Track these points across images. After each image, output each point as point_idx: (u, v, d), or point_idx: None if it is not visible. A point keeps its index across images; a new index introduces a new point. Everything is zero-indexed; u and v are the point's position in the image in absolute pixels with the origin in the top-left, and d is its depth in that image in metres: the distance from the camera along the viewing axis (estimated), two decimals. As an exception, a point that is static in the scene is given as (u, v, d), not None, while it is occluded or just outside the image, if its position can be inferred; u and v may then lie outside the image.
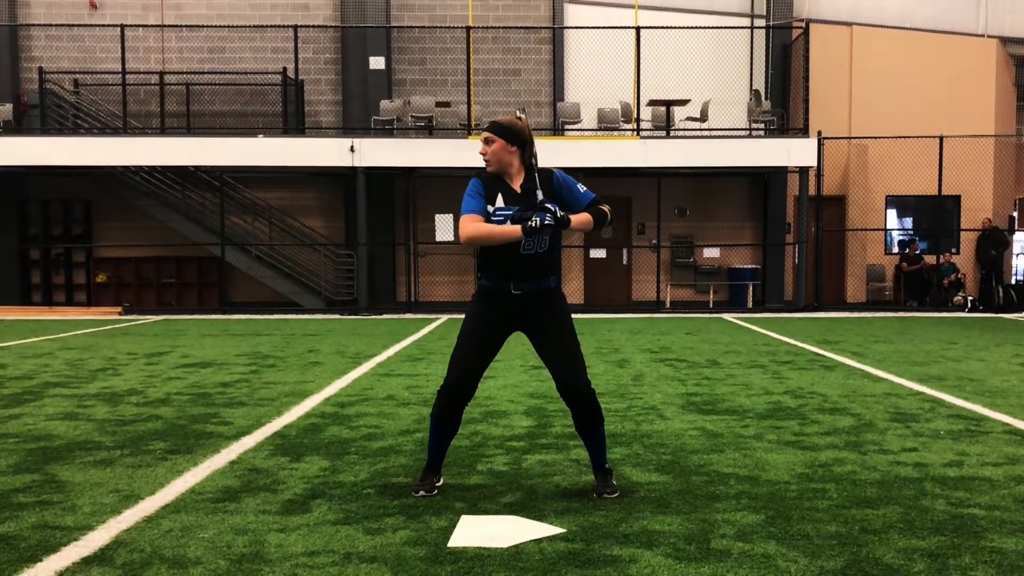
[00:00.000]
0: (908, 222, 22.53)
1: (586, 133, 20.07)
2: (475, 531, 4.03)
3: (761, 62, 21.28)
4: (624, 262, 21.31)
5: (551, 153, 17.50)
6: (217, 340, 13.15)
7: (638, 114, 19.41)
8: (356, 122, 20.51)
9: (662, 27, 19.37)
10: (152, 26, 20.77)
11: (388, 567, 3.58)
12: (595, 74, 20.04)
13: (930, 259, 20.85)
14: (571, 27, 20.92)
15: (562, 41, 21.11)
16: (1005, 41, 21.56)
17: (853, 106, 21.19)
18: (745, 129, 20.42)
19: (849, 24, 21.30)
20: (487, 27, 20.70)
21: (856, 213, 21.16)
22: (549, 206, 4.42)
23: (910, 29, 21.35)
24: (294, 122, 20.44)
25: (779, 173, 20.50)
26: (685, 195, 21.28)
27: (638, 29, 19.03)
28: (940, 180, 19.68)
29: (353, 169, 18.89)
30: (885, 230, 21.80)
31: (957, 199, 21.14)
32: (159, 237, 20.23)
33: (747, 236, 21.38)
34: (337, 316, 18.61)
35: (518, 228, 4.39)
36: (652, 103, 19.74)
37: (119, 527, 4.10)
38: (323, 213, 21.24)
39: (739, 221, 21.44)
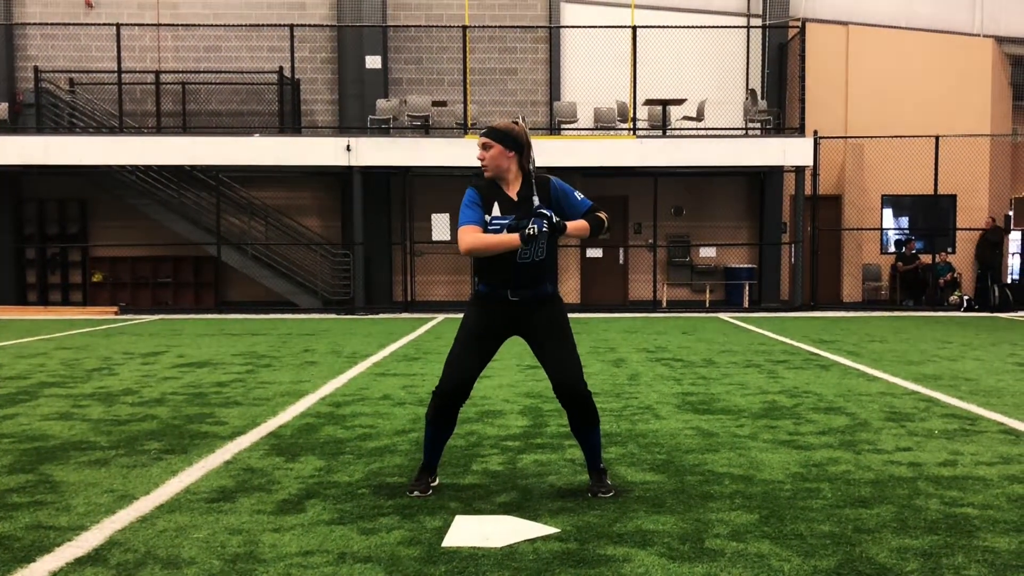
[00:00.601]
0: (904, 221, 22.56)
1: (582, 132, 20.07)
2: (469, 531, 4.03)
3: (757, 61, 21.29)
4: (620, 261, 21.32)
5: (547, 152, 17.55)
6: (213, 340, 13.14)
7: (634, 113, 19.41)
8: (352, 121, 20.50)
9: (658, 26, 19.37)
10: (148, 25, 20.74)
11: (382, 567, 3.58)
12: (591, 73, 20.04)
13: (926, 258, 20.87)
14: (567, 26, 20.92)
15: (558, 40, 21.12)
16: (1001, 41, 21.59)
17: (849, 105, 21.22)
18: (741, 128, 20.44)
19: (845, 23, 21.33)
20: (483, 26, 20.70)
21: (852, 212, 21.18)
22: (545, 212, 4.43)
23: (906, 29, 21.38)
24: (290, 121, 20.43)
25: (775, 172, 20.52)
26: (681, 194, 21.29)
27: (634, 28, 19.04)
28: (936, 180, 19.70)
29: (349, 168, 18.88)
30: (881, 229, 21.83)
31: (953, 199, 21.17)
32: (155, 236, 20.21)
33: (743, 235, 21.40)
34: (333, 316, 18.61)
35: (516, 236, 4.39)
36: (648, 102, 19.75)
37: (113, 527, 4.10)
38: (319, 212, 21.23)
39: (735, 220, 21.46)
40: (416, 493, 4.60)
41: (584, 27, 20.31)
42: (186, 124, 20.44)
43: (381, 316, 18.40)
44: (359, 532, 4.03)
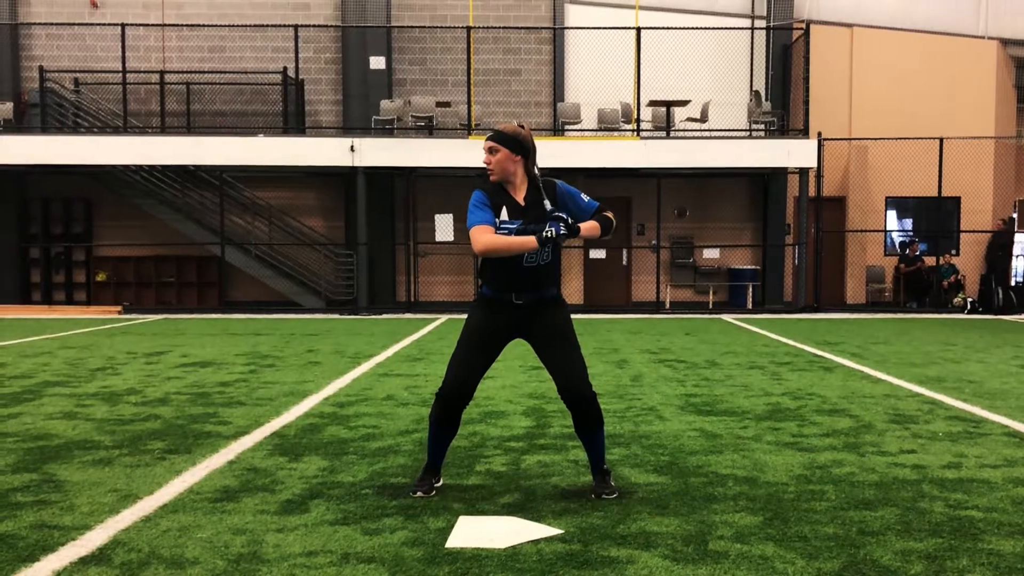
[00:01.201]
0: (908, 223, 22.53)
1: (586, 133, 20.07)
2: (473, 532, 4.03)
3: (761, 63, 21.28)
4: (624, 263, 21.31)
5: (551, 154, 17.52)
6: (216, 340, 13.16)
7: (638, 115, 19.41)
8: (356, 122, 20.51)
9: (662, 28, 19.36)
10: (153, 25, 20.77)
11: (386, 567, 3.58)
12: (595, 74, 20.03)
13: (930, 260, 20.84)
14: (571, 27, 20.92)
15: (562, 41, 21.11)
16: (1005, 43, 21.56)
17: (853, 107, 21.19)
18: (745, 130, 20.42)
19: (850, 25, 21.30)
20: (487, 27, 20.70)
21: (856, 214, 21.16)
22: (561, 216, 4.45)
23: (910, 30, 21.35)
24: (294, 121, 20.44)
25: (779, 174, 20.50)
26: (685, 196, 21.27)
27: (638, 30, 19.03)
28: (940, 182, 19.66)
29: (353, 169, 18.89)
30: (885, 231, 21.80)
31: (957, 200, 21.14)
32: (159, 236, 20.23)
33: (747, 237, 21.38)
34: (337, 316, 18.61)
35: (533, 239, 4.39)
36: (652, 104, 19.74)
37: (117, 527, 4.10)
38: (323, 213, 21.24)
39: (739, 222, 21.44)
40: (419, 494, 4.60)
41: (588, 28, 20.30)
42: (190, 124, 20.46)
43: (384, 316, 18.40)
44: (363, 532, 4.03)
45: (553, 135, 19.99)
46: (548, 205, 4.52)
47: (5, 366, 9.93)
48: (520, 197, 4.54)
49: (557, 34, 21.05)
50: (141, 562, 3.65)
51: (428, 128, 19.87)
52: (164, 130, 20.19)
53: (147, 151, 18.89)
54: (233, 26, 20.46)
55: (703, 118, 19.64)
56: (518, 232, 4.47)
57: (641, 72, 19.06)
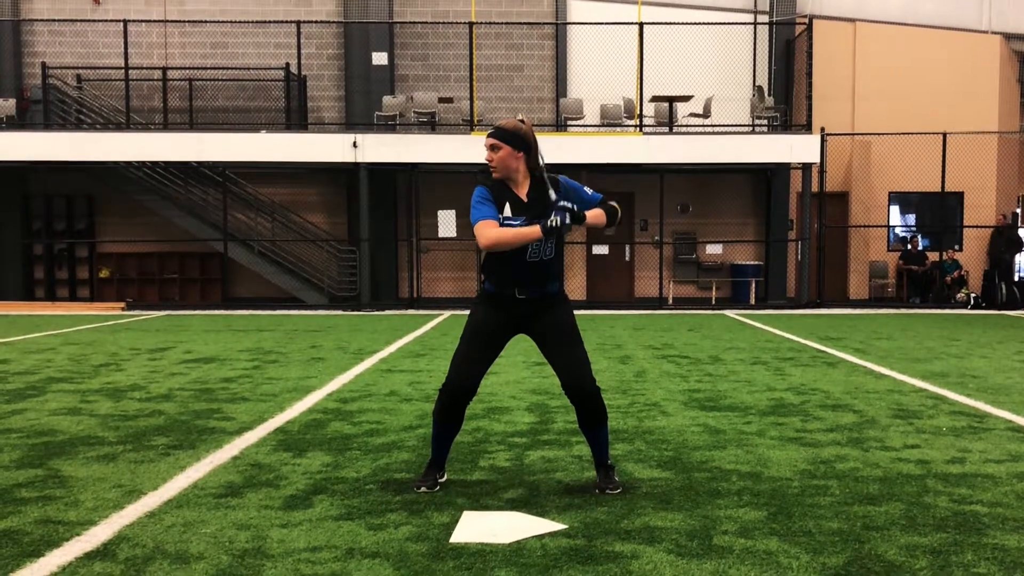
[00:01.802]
0: (911, 219, 22.51)
1: (589, 129, 20.05)
2: (477, 527, 4.03)
3: (764, 58, 21.24)
4: (627, 258, 21.30)
5: (554, 149, 17.53)
6: (220, 336, 13.17)
7: (641, 110, 19.38)
8: (359, 118, 20.50)
9: (665, 23, 19.32)
10: (155, 21, 20.77)
11: (390, 562, 3.59)
12: (598, 70, 20.00)
13: (933, 256, 20.82)
14: (574, 23, 20.89)
15: (565, 37, 21.08)
16: (1009, 37, 21.50)
17: (856, 102, 21.15)
18: (748, 125, 20.40)
19: (852, 20, 21.26)
20: (490, 23, 20.67)
21: (859, 209, 21.13)
22: (566, 205, 4.44)
23: (913, 25, 21.30)
24: (297, 118, 20.44)
25: (782, 169, 20.47)
26: (688, 191, 21.25)
27: (641, 25, 19.00)
28: (943, 177, 19.63)
29: (356, 165, 18.89)
30: (888, 227, 21.78)
31: (960, 196, 21.10)
32: (162, 233, 20.25)
33: (750, 232, 21.36)
34: (340, 312, 18.62)
35: (538, 229, 4.38)
36: (655, 99, 19.71)
37: (121, 522, 4.11)
38: (326, 209, 21.24)
39: (742, 217, 21.42)
40: (423, 489, 4.61)
41: (591, 23, 20.28)
42: (193, 120, 20.46)
43: (387, 312, 18.41)
44: (367, 528, 4.03)
45: (556, 131, 19.97)
46: (553, 195, 4.51)
47: (9, 362, 9.95)
48: (523, 193, 4.53)
49: (559, 30, 21.02)
50: (146, 557, 3.65)
51: (430, 124, 19.86)
52: (167, 126, 20.20)
53: (150, 147, 18.89)
54: (235, 22, 20.45)
55: (706, 113, 19.61)
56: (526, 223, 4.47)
57: (644, 67, 19.03)
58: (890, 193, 21.44)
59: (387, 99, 19.89)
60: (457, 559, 3.62)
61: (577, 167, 18.29)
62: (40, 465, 5.20)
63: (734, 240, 21.06)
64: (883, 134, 20.16)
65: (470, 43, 19.34)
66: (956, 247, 21.15)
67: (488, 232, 4.39)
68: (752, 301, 20.25)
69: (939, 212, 21.01)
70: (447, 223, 19.72)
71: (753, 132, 20.12)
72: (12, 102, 19.91)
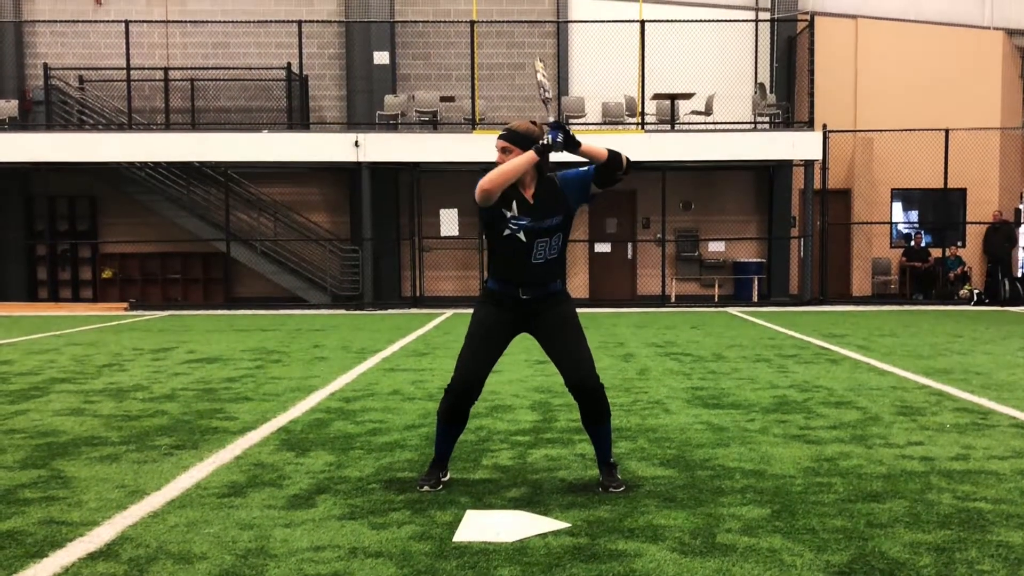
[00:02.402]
0: (914, 215, 22.48)
1: (590, 127, 20.02)
2: (480, 525, 4.03)
3: (766, 55, 21.22)
4: (629, 256, 21.29)
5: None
6: (223, 336, 13.17)
7: (642, 108, 19.36)
8: (360, 117, 20.50)
9: (666, 20, 19.31)
10: (157, 22, 20.78)
11: (393, 562, 3.58)
12: (599, 68, 19.99)
13: (936, 252, 20.80)
14: (575, 21, 20.88)
15: (566, 35, 21.07)
16: (1011, 33, 21.46)
17: (858, 99, 21.13)
18: (750, 122, 20.37)
19: (854, 17, 21.23)
20: (491, 21, 20.67)
21: (861, 206, 21.10)
22: (559, 123, 4.36)
23: (915, 21, 21.27)
24: (299, 117, 20.44)
25: (784, 166, 20.45)
26: (690, 189, 21.24)
27: (642, 23, 18.99)
28: (946, 173, 19.60)
29: (358, 164, 18.89)
30: (891, 223, 21.76)
31: (963, 192, 21.07)
32: (164, 233, 20.27)
33: (752, 230, 21.35)
34: (342, 311, 18.63)
35: (532, 152, 4.33)
36: (656, 97, 19.70)
37: (125, 522, 4.11)
38: (328, 208, 21.25)
39: (744, 215, 21.40)
40: (426, 488, 4.60)
41: (592, 22, 20.27)
42: (195, 121, 20.47)
43: (390, 312, 18.41)
44: (370, 527, 4.03)
45: (557, 129, 19.92)
46: (552, 120, 4.41)
47: (12, 363, 9.96)
48: (529, 194, 4.50)
49: (561, 28, 21.01)
50: (149, 557, 3.65)
51: (432, 123, 19.86)
52: (169, 127, 20.21)
53: (152, 148, 18.91)
54: (237, 22, 20.46)
55: (708, 111, 19.59)
56: (529, 229, 4.45)
57: (645, 65, 19.02)
58: (892, 190, 21.42)
59: (389, 98, 19.89)
60: (460, 558, 3.62)
61: (579, 165, 18.24)
62: (43, 466, 5.21)
63: (736, 237, 21.05)
64: (885, 131, 20.12)
65: (471, 42, 19.34)
66: (959, 243, 21.12)
67: (483, 180, 4.33)
68: (755, 298, 20.23)
69: (942, 208, 20.98)
70: (449, 222, 19.72)
71: (755, 129, 20.09)
72: (15, 103, 19.93)
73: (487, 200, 4.37)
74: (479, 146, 18.07)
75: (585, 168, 4.61)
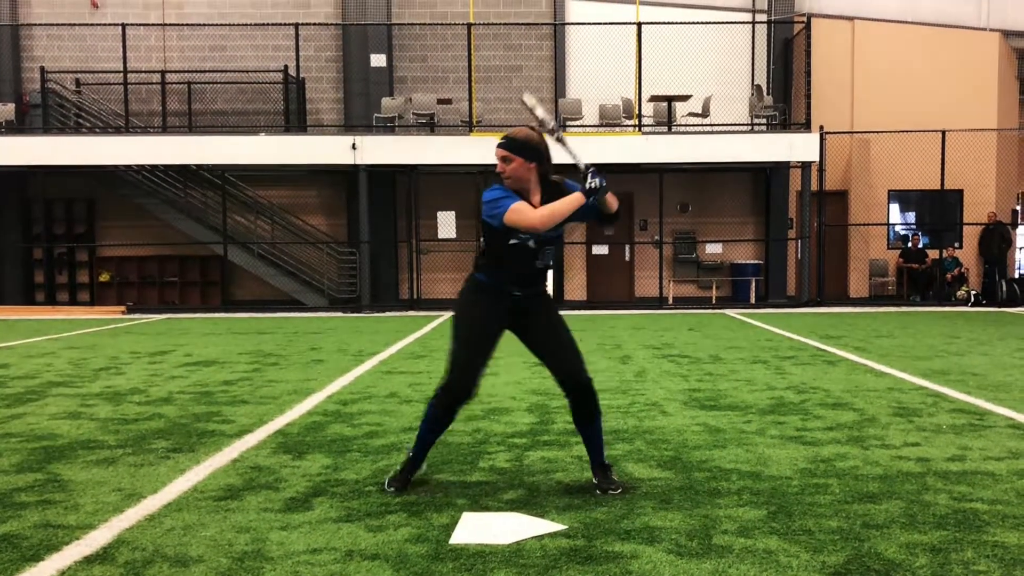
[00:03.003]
0: (911, 216, 22.50)
1: (588, 129, 20.05)
2: (477, 528, 4.03)
3: (763, 57, 21.24)
4: (626, 258, 21.30)
5: (553, 150, 17.51)
6: (220, 339, 13.16)
7: (640, 110, 19.38)
8: (358, 119, 20.51)
9: (663, 23, 19.34)
10: (153, 25, 20.78)
11: (390, 564, 3.58)
12: (596, 70, 20.01)
13: (933, 253, 20.83)
14: (572, 23, 20.90)
15: (563, 37, 21.09)
16: (1007, 35, 21.50)
17: (855, 101, 21.16)
18: (747, 124, 20.40)
19: (851, 18, 21.26)
20: (488, 24, 20.68)
21: (858, 208, 21.13)
22: (593, 166, 4.36)
23: (912, 23, 21.31)
24: (296, 120, 20.44)
25: (781, 168, 20.47)
26: (687, 191, 21.26)
27: (639, 25, 19.01)
28: (942, 174, 19.63)
29: (355, 167, 18.89)
30: (888, 225, 21.78)
31: (960, 193, 21.10)
32: (162, 236, 20.25)
33: (749, 231, 21.36)
34: (340, 314, 18.62)
35: (579, 195, 4.33)
36: (654, 99, 19.72)
37: (121, 526, 4.10)
38: (325, 211, 21.25)
39: (741, 216, 21.42)
40: (392, 490, 4.60)
41: (589, 24, 20.29)
42: (192, 123, 20.46)
43: (387, 314, 18.41)
44: (366, 529, 4.03)
45: (555, 131, 19.93)
46: (583, 164, 4.40)
47: (9, 367, 9.95)
48: (536, 201, 4.48)
49: (558, 30, 21.03)
50: (145, 561, 3.65)
51: (429, 125, 19.86)
52: (166, 130, 20.20)
53: (149, 151, 18.90)
54: (234, 25, 20.46)
55: (705, 113, 19.61)
56: (540, 238, 4.44)
57: (642, 67, 19.04)
58: (890, 191, 21.44)
59: (386, 101, 19.89)
60: (456, 560, 3.62)
61: (576, 168, 18.26)
62: (40, 469, 5.20)
63: (734, 239, 21.06)
64: (882, 132, 20.15)
65: (468, 44, 19.36)
66: (956, 245, 21.14)
67: (535, 215, 4.29)
68: (752, 300, 20.25)
69: (939, 210, 21.01)
70: (447, 224, 19.72)
71: (752, 131, 20.12)
72: (11, 106, 19.92)
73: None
74: (476, 148, 18.09)
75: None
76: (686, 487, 4.69)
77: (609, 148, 18.88)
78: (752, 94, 20.40)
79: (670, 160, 19.09)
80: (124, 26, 19.24)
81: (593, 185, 4.29)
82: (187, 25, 20.65)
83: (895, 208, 22.06)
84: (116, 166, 19.39)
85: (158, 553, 3.74)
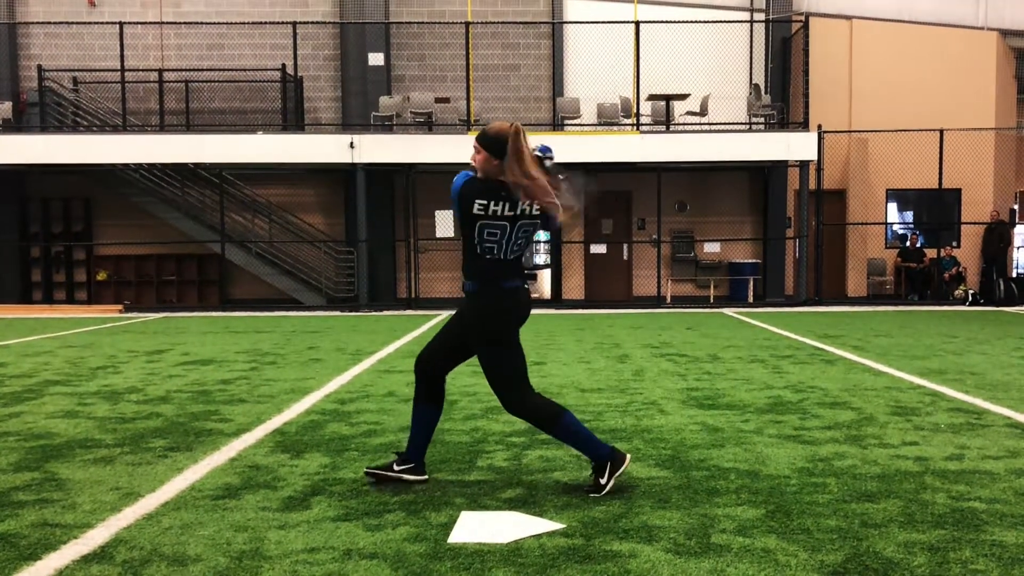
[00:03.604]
0: (909, 216, 22.52)
1: (585, 128, 20.05)
2: (475, 527, 4.03)
3: (761, 56, 21.25)
4: (624, 257, 21.30)
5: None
6: (217, 337, 13.15)
7: (637, 109, 19.39)
8: (355, 118, 20.49)
9: (661, 21, 19.34)
10: (151, 23, 20.76)
11: (388, 563, 3.58)
12: (594, 69, 20.01)
13: (931, 252, 20.84)
14: (570, 22, 20.89)
15: (561, 36, 21.08)
16: (1005, 34, 21.52)
17: (853, 100, 21.17)
18: (745, 123, 20.40)
19: (848, 17, 21.27)
20: (486, 22, 20.67)
21: (856, 207, 21.14)
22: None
23: (910, 22, 21.32)
24: (293, 119, 20.43)
25: (779, 167, 20.48)
26: (685, 190, 21.26)
27: (637, 24, 19.01)
28: (940, 173, 19.65)
29: (353, 165, 18.88)
30: (886, 224, 21.79)
31: (958, 192, 21.12)
32: (159, 235, 20.24)
33: (747, 230, 21.37)
34: (337, 313, 18.61)
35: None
36: (651, 98, 19.72)
37: (119, 525, 4.10)
38: (323, 210, 21.24)
39: (739, 215, 21.43)
40: (368, 469, 4.70)
41: (587, 23, 20.28)
42: (189, 122, 20.45)
43: (385, 313, 18.40)
44: (365, 528, 4.03)
45: (552, 130, 19.97)
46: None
47: (6, 365, 9.93)
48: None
49: (556, 29, 21.02)
50: (143, 560, 3.64)
51: (427, 124, 19.85)
52: (163, 128, 20.18)
53: (146, 149, 18.88)
54: (231, 23, 20.44)
55: (703, 112, 19.61)
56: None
57: (640, 66, 19.04)
58: (887, 190, 21.46)
59: (384, 99, 19.88)
60: (455, 559, 3.61)
61: (574, 166, 18.22)
62: (37, 468, 5.19)
63: (732, 238, 21.07)
64: (880, 131, 20.16)
65: (466, 43, 19.35)
66: (954, 244, 21.16)
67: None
68: (750, 299, 20.26)
69: (937, 209, 21.03)
70: (444, 223, 19.71)
71: (750, 130, 20.12)
72: (8, 105, 19.90)
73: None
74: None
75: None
76: (684, 486, 4.69)
77: (607, 147, 18.88)
78: (750, 93, 20.41)
79: (668, 159, 19.09)
80: (121, 24, 19.22)
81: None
82: (185, 23, 20.63)
83: (893, 207, 22.07)
84: (113, 165, 19.37)
85: (156, 552, 3.73)
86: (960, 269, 20.67)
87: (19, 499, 4.54)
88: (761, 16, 21.24)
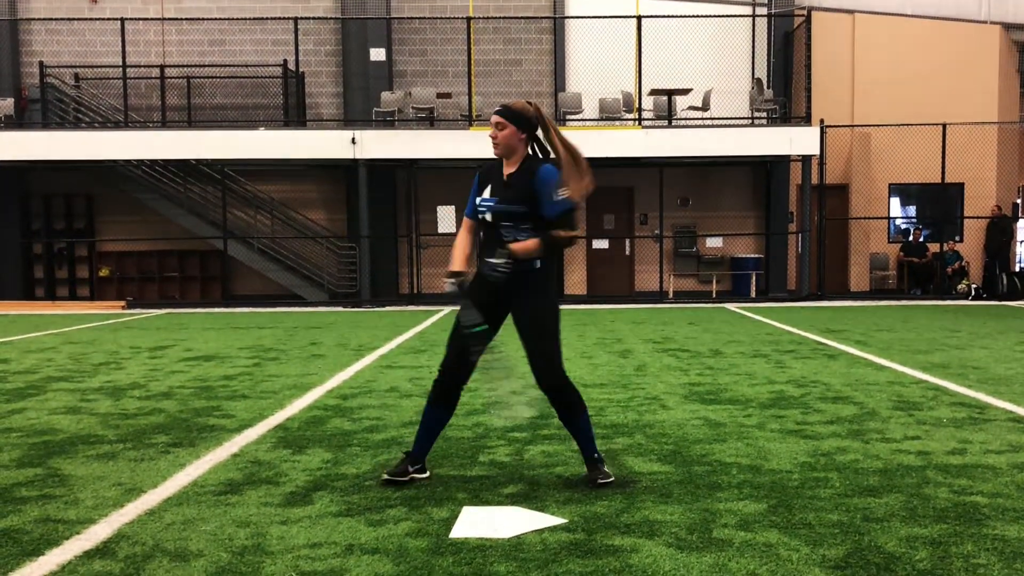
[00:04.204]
0: (911, 210, 22.49)
1: (588, 123, 20.03)
2: (477, 522, 4.03)
3: (763, 50, 21.21)
4: (627, 252, 21.29)
5: (553, 144, 17.48)
6: (220, 333, 13.17)
7: (640, 104, 19.36)
8: (357, 114, 20.48)
9: (663, 16, 19.30)
10: (152, 19, 20.74)
11: (390, 558, 3.58)
12: (596, 64, 19.98)
13: (933, 247, 20.82)
14: (572, 16, 20.86)
15: (563, 31, 21.05)
16: (1008, 27, 21.46)
17: (856, 94, 21.12)
18: (747, 118, 20.37)
19: (851, 12, 21.22)
20: (488, 17, 20.65)
21: (859, 201, 21.11)
22: (492, 262, 4.47)
23: (912, 16, 21.27)
24: (295, 114, 20.42)
25: (782, 162, 20.46)
26: (687, 185, 21.24)
27: (639, 18, 18.97)
28: (943, 168, 19.61)
29: (355, 161, 18.87)
30: (889, 218, 21.76)
31: (960, 187, 21.08)
32: (161, 231, 20.25)
33: (750, 225, 21.34)
34: (339, 308, 18.62)
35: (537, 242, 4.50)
36: (654, 92, 19.68)
37: (121, 520, 4.10)
38: (325, 205, 21.24)
39: (742, 210, 21.41)
40: (385, 478, 4.66)
41: (589, 17, 20.25)
42: (191, 118, 20.45)
43: (387, 309, 18.41)
44: (367, 524, 4.03)
45: (554, 125, 19.91)
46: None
47: (9, 362, 9.95)
48: (507, 172, 4.56)
49: (557, 23, 20.99)
50: (145, 555, 3.65)
51: (429, 119, 19.84)
52: (165, 124, 20.19)
53: (148, 146, 18.89)
54: (233, 19, 20.43)
55: (705, 106, 19.58)
56: (494, 212, 4.54)
57: (642, 61, 19.01)
58: (890, 185, 21.42)
59: (385, 95, 19.86)
60: (457, 554, 3.62)
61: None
62: (40, 464, 5.20)
63: (734, 233, 21.05)
64: (883, 125, 20.12)
65: (468, 38, 19.32)
66: (956, 238, 21.13)
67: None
68: (752, 294, 20.24)
69: (939, 203, 20.99)
70: (446, 219, 19.70)
71: (752, 125, 20.09)
72: (10, 101, 19.90)
73: None
74: (476, 143, 18.04)
75: (554, 202, 4.46)
76: (686, 481, 4.69)
77: (609, 142, 18.85)
78: (752, 88, 20.37)
79: (670, 154, 19.06)
80: (123, 20, 19.22)
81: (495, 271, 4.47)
82: (186, 19, 20.62)
83: (896, 202, 22.04)
84: (115, 161, 19.38)
85: (158, 547, 3.74)
86: (963, 264, 20.64)
87: (22, 495, 4.55)
88: (763, 10, 21.20)
